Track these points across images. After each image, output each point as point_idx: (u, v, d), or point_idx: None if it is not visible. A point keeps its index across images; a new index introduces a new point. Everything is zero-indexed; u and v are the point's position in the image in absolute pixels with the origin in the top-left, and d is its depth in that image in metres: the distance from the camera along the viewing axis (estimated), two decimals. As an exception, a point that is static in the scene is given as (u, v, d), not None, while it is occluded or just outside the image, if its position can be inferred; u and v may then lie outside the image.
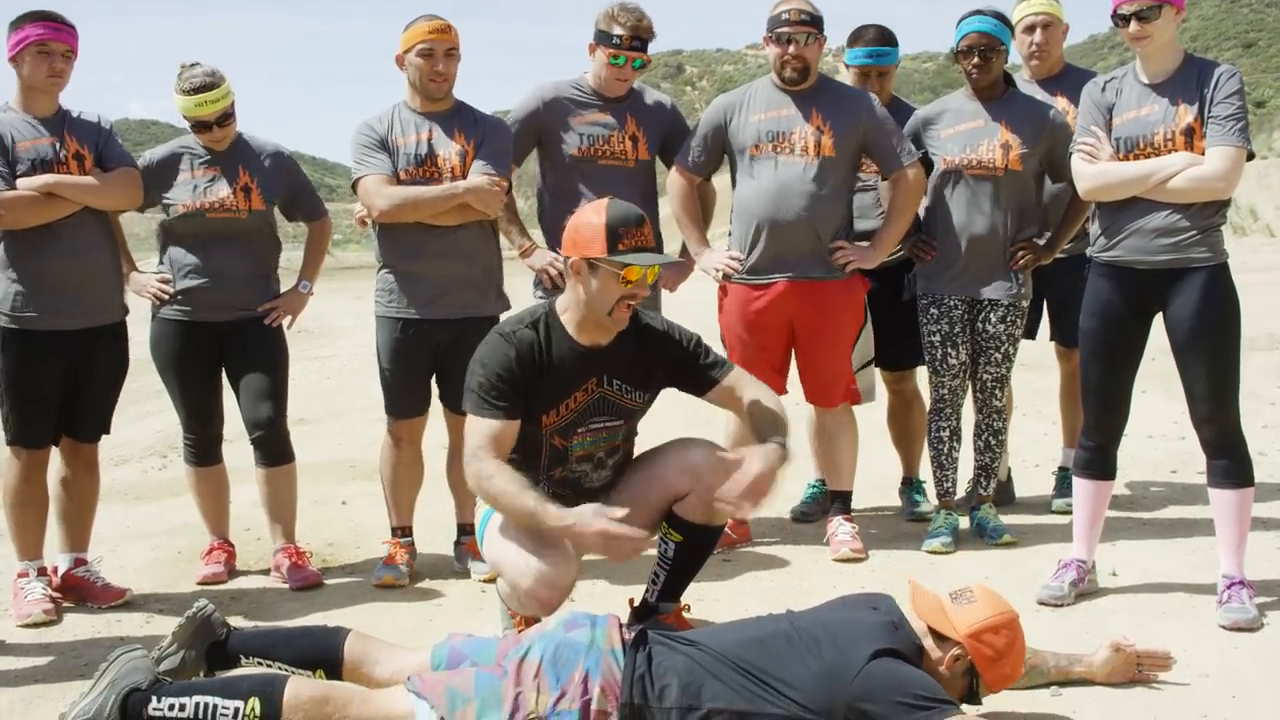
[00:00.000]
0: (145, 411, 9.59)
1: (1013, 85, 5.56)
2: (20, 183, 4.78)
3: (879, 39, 5.87)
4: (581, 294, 3.98)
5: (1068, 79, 5.76)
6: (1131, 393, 4.72)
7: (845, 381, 5.58)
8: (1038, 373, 8.94)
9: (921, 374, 5.95)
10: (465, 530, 5.44)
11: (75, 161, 4.91)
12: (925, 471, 6.02)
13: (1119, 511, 5.87)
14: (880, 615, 3.45)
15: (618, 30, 5.37)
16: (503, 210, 5.37)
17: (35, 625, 4.78)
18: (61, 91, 4.96)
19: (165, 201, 5.27)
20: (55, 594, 4.97)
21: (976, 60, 5.36)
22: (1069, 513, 5.04)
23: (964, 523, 5.71)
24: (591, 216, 3.97)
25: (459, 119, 5.31)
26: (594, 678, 3.23)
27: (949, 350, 5.49)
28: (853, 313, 5.59)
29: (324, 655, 3.59)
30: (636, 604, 4.35)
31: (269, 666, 3.58)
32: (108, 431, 5.21)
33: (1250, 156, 4.45)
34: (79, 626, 4.80)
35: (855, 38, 5.93)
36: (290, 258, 5.58)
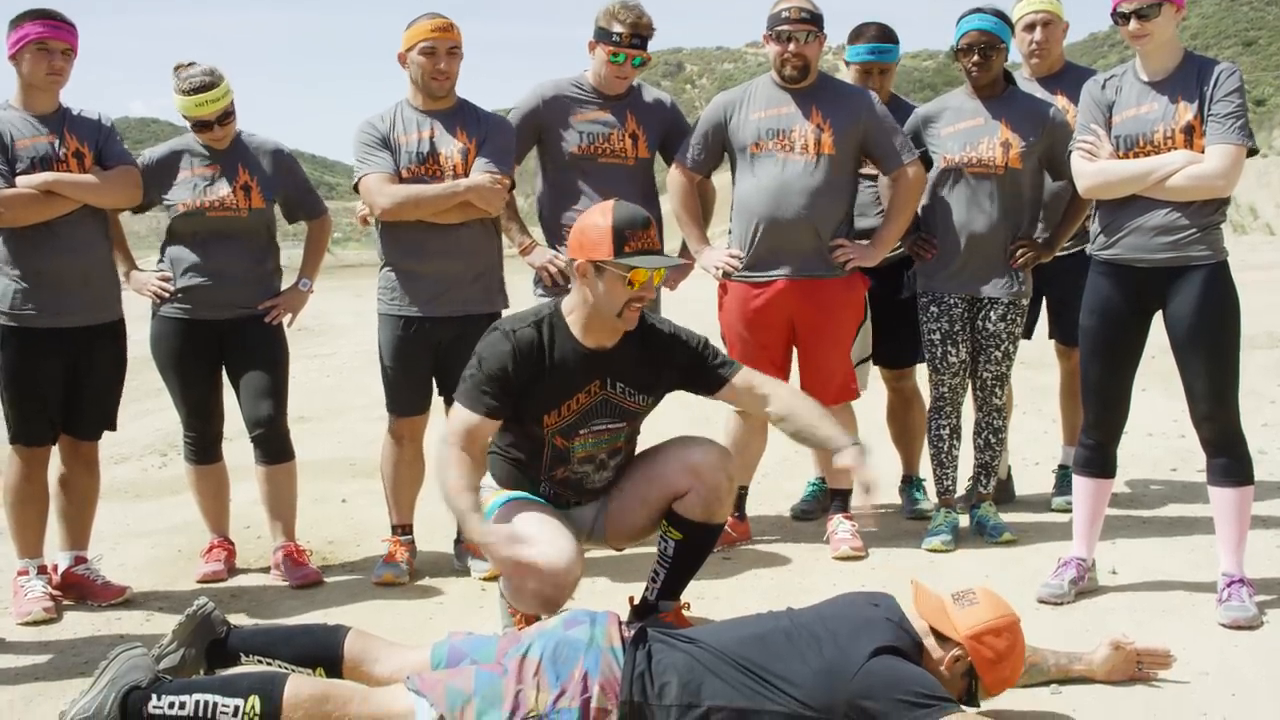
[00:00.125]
0: (145, 409, 9.59)
1: (1013, 83, 5.56)
2: (20, 180, 4.78)
3: (881, 36, 5.87)
4: (588, 296, 3.98)
5: (1068, 77, 5.76)
6: (1131, 391, 4.71)
7: (845, 379, 5.58)
8: (1038, 371, 8.95)
9: (921, 372, 5.95)
10: (465, 528, 5.44)
11: (75, 159, 4.91)
12: (925, 469, 6.02)
13: (1119, 509, 5.87)
14: (881, 613, 3.45)
15: (617, 28, 5.37)
16: (503, 208, 5.37)
17: (35, 623, 4.77)
18: (61, 89, 4.96)
19: (165, 201, 5.27)
20: (55, 592, 4.97)
21: (976, 58, 5.35)
22: (1069, 511, 5.04)
23: (964, 521, 5.71)
24: (598, 219, 3.96)
25: (461, 117, 5.31)
26: (594, 675, 3.22)
27: (949, 348, 5.49)
28: (853, 310, 5.58)
29: (324, 653, 3.58)
30: (636, 602, 4.36)
31: (269, 664, 3.58)
32: (113, 428, 5.20)
33: (1253, 153, 4.45)
34: (79, 624, 4.80)
35: (857, 35, 5.93)
36: (290, 256, 5.58)
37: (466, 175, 5.19)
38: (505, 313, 5.32)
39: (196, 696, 3.20)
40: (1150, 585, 4.85)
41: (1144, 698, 3.75)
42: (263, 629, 3.96)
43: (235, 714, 3.17)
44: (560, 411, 4.05)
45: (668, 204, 5.68)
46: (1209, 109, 4.38)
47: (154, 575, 5.46)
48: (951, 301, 5.47)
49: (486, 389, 3.95)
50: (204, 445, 5.47)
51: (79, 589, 5.07)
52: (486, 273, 5.36)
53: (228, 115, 5.24)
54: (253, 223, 5.31)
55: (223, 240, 5.26)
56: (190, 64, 5.25)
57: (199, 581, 5.33)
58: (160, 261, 5.37)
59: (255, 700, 3.18)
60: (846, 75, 6.08)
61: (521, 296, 5.58)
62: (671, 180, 5.69)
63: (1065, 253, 5.62)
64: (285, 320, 5.46)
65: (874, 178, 5.76)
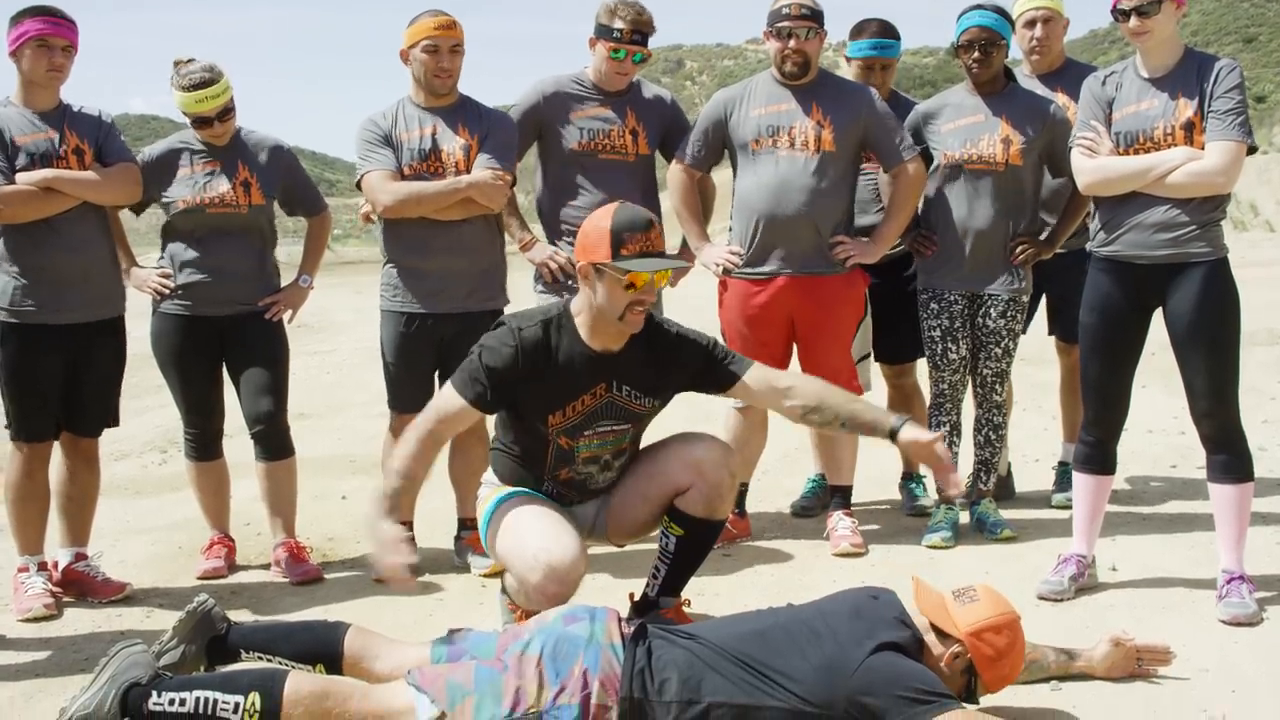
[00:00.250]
0: (145, 406, 9.59)
1: (1013, 80, 5.56)
2: (19, 177, 4.77)
3: (883, 31, 5.87)
4: (592, 299, 3.98)
5: (1068, 74, 5.75)
6: (1131, 388, 4.71)
7: (848, 376, 5.58)
8: (1038, 367, 8.95)
9: (921, 368, 5.96)
10: (466, 525, 5.45)
11: (75, 156, 4.90)
12: (925, 466, 6.01)
13: (1119, 506, 5.87)
14: (881, 609, 3.45)
15: (618, 24, 5.37)
16: (505, 204, 5.38)
17: (35, 620, 4.77)
18: (62, 86, 4.96)
19: (165, 198, 5.27)
20: (55, 588, 4.97)
21: (977, 55, 5.36)
22: (1069, 507, 5.04)
23: (964, 517, 5.71)
24: (600, 220, 3.96)
25: (463, 113, 5.31)
26: (593, 672, 3.22)
27: (949, 345, 5.50)
28: (853, 307, 5.58)
29: (324, 650, 3.58)
30: (637, 598, 4.36)
31: (269, 661, 3.58)
32: (115, 424, 5.21)
33: (1253, 150, 4.45)
34: (79, 621, 4.80)
35: (859, 30, 5.92)
36: (290, 252, 5.58)
37: (468, 172, 5.19)
38: (508, 309, 5.32)
39: (197, 693, 3.20)
40: (1150, 582, 4.85)
41: (1144, 694, 3.75)
42: (263, 626, 3.96)
43: (235, 711, 3.17)
44: (565, 412, 4.04)
45: (668, 201, 5.68)
46: (1209, 105, 4.37)
47: (154, 572, 5.47)
48: (952, 298, 5.47)
49: (480, 379, 3.93)
50: (204, 442, 5.47)
51: (79, 585, 5.07)
52: (489, 269, 5.37)
53: (227, 111, 5.24)
54: (252, 219, 5.31)
55: (222, 237, 5.26)
56: (190, 60, 5.25)
57: (199, 578, 5.33)
58: (160, 258, 5.37)
59: (255, 697, 3.18)
60: (847, 71, 6.08)
61: (521, 292, 5.59)
62: (671, 177, 5.69)
63: (1065, 249, 5.62)
64: (285, 317, 5.46)
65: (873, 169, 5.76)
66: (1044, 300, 6.04)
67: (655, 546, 4.32)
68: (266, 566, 5.45)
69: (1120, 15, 4.44)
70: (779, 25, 5.34)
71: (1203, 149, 4.37)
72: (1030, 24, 5.76)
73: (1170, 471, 6.86)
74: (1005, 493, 6.20)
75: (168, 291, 5.26)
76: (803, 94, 5.42)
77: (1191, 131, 4.39)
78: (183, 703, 3.19)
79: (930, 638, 3.43)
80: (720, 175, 5.85)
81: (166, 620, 3.91)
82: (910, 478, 6.29)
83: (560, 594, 3.87)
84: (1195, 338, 4.45)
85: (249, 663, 3.60)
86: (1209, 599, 4.52)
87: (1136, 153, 4.47)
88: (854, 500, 5.76)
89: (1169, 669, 3.87)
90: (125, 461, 8.05)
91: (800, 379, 4.30)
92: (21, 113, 4.89)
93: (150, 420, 9.29)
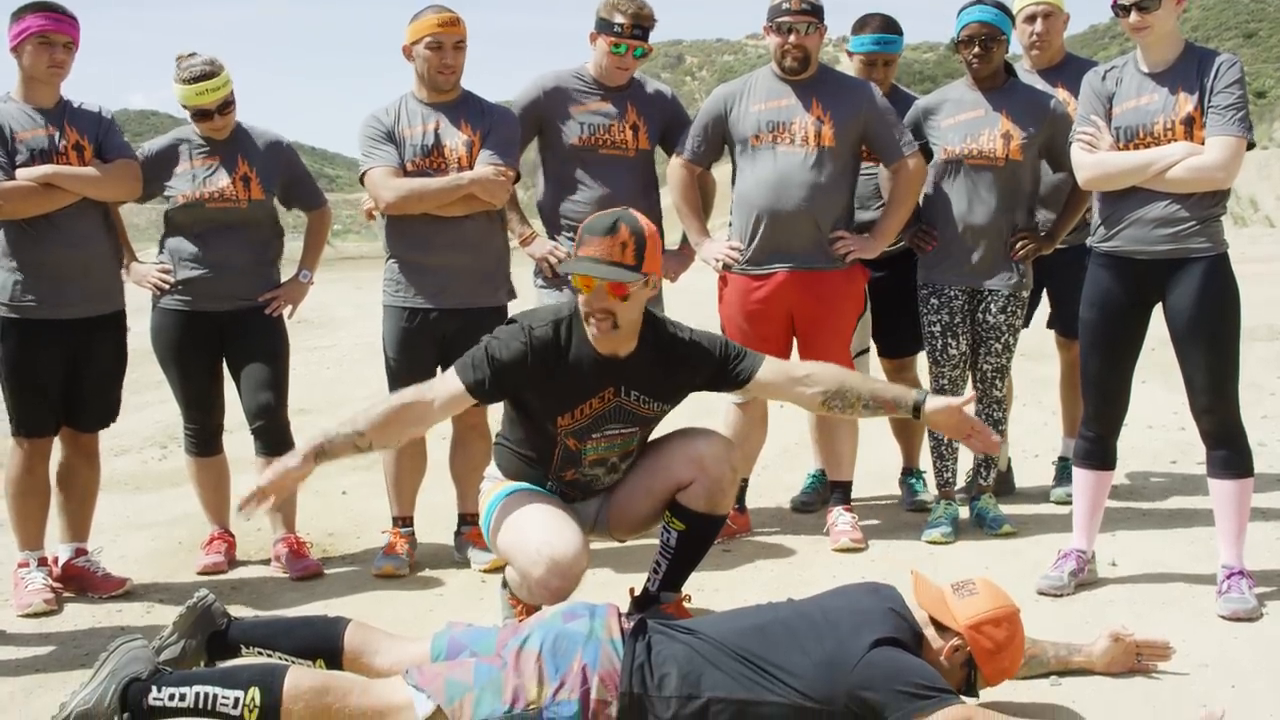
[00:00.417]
0: (145, 402, 9.59)
1: (1013, 75, 5.55)
2: (20, 173, 4.77)
3: (885, 27, 5.87)
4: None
5: (1068, 69, 5.75)
6: (1131, 383, 4.72)
7: (846, 372, 5.58)
8: (1038, 363, 8.95)
9: (922, 363, 5.96)
10: (466, 520, 5.45)
11: (75, 152, 4.90)
12: (925, 461, 6.02)
13: (1119, 502, 5.88)
14: (881, 604, 3.45)
15: (619, 19, 5.36)
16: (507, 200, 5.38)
17: (36, 615, 4.77)
18: (62, 82, 4.96)
19: (165, 193, 5.27)
20: (56, 584, 4.97)
21: (977, 50, 5.35)
22: (1069, 503, 5.04)
23: (964, 513, 5.72)
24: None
25: (466, 109, 5.31)
26: (593, 668, 3.23)
27: (949, 340, 5.50)
28: (853, 302, 5.59)
29: (324, 645, 3.59)
30: (637, 593, 4.36)
31: (269, 656, 3.58)
32: (115, 419, 5.21)
33: (1251, 145, 4.44)
34: (79, 616, 4.80)
35: (861, 25, 5.92)
36: (290, 248, 5.58)
37: (471, 168, 5.19)
38: (510, 305, 5.33)
39: (197, 688, 3.20)
40: (1150, 577, 4.86)
41: (1143, 689, 3.76)
42: (263, 621, 3.96)
43: (235, 706, 3.17)
44: (574, 415, 4.02)
45: (668, 196, 5.68)
46: (1209, 100, 4.37)
47: (154, 567, 5.47)
48: (952, 293, 5.47)
49: (483, 367, 3.91)
50: (204, 437, 5.48)
51: (79, 581, 5.07)
52: (492, 265, 5.37)
53: (228, 105, 5.24)
54: (252, 214, 5.31)
55: (222, 231, 5.26)
56: (191, 54, 5.25)
57: (199, 573, 5.33)
58: (160, 253, 5.37)
59: (255, 692, 3.18)
60: (848, 66, 6.08)
61: (522, 289, 5.59)
62: (672, 172, 5.69)
63: (1065, 245, 5.62)
64: (285, 312, 5.46)
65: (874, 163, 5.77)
66: (1044, 295, 6.04)
67: (656, 542, 4.32)
68: (267, 562, 5.46)
69: (1121, 10, 4.44)
70: (779, 20, 5.34)
71: (1203, 144, 4.37)
72: (1030, 19, 5.76)
73: (1170, 467, 6.86)
74: (1005, 488, 6.21)
75: (167, 287, 5.26)
76: (803, 89, 5.41)
77: (1191, 126, 4.38)
78: (183, 698, 3.19)
79: (930, 632, 3.43)
80: (720, 171, 5.85)
81: (167, 616, 3.91)
82: (910, 473, 6.29)
83: (562, 588, 3.87)
84: (1195, 333, 4.44)
85: (249, 658, 3.61)
86: (1209, 594, 4.52)
87: (1136, 148, 4.47)
88: (854, 495, 5.77)
89: (1168, 664, 3.87)
90: (125, 457, 8.04)
91: (817, 366, 4.24)
92: (22, 108, 4.89)
93: (150, 415, 9.29)
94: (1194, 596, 4.58)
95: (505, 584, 4.23)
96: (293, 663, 3.47)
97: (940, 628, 3.43)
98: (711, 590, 4.77)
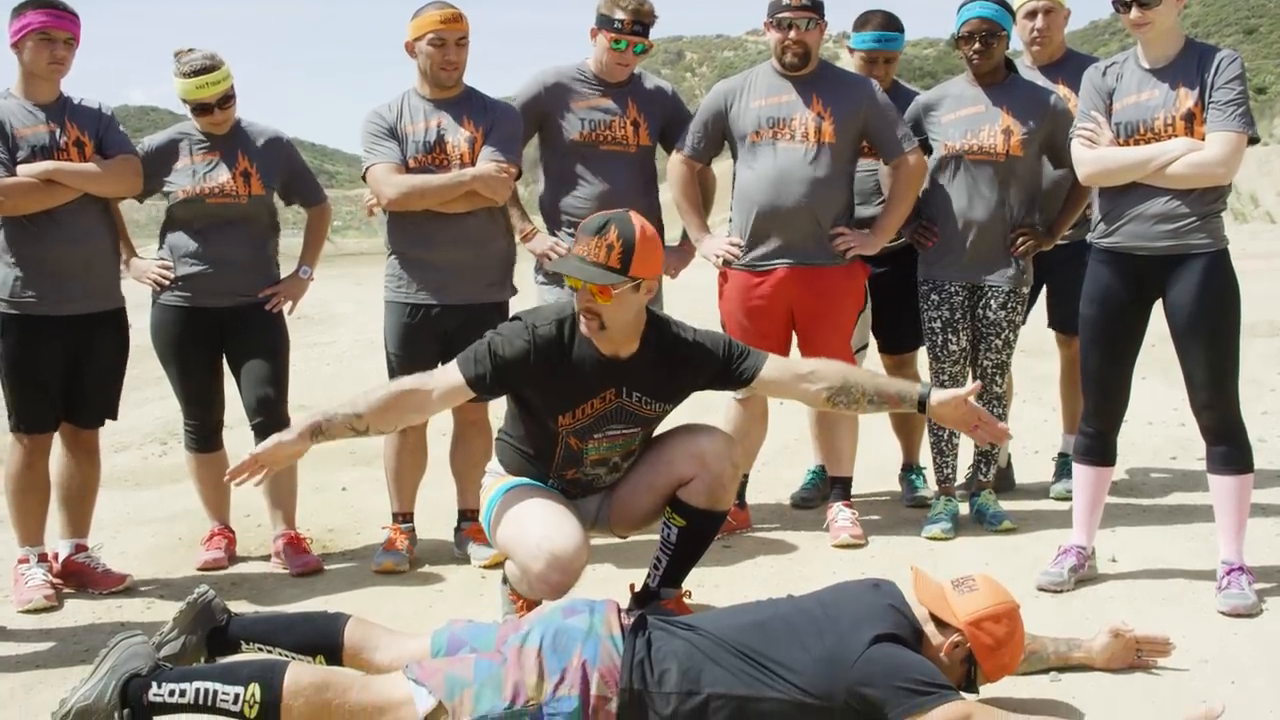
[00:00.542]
0: (146, 398, 9.59)
1: (1014, 71, 5.55)
2: (20, 169, 4.78)
3: (887, 24, 5.87)
4: None
5: (1069, 65, 5.74)
6: (1131, 379, 4.71)
7: (848, 367, 5.58)
8: (1038, 359, 8.95)
9: (922, 359, 5.96)
10: (466, 516, 5.46)
11: (75, 148, 4.91)
12: (925, 457, 6.02)
13: (1119, 498, 5.88)
14: (881, 600, 3.45)
15: (619, 15, 5.36)
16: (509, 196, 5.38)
17: (36, 611, 4.78)
18: (63, 79, 4.96)
19: (165, 188, 5.27)
20: (56, 580, 4.98)
21: (977, 46, 5.35)
22: (1069, 499, 5.04)
23: (964, 509, 5.72)
24: None
25: (468, 106, 5.30)
26: (593, 664, 3.23)
27: (949, 336, 5.49)
28: (853, 298, 5.59)
29: (324, 641, 3.59)
30: (638, 589, 4.36)
31: (269, 652, 3.58)
32: (114, 417, 5.21)
33: (1254, 141, 4.44)
34: (79, 612, 4.80)
35: (862, 22, 5.91)
36: (290, 244, 5.58)
37: (473, 164, 5.19)
38: (513, 302, 5.33)
39: (197, 684, 3.20)
40: (1150, 573, 4.86)
41: (1143, 685, 3.76)
42: (263, 617, 3.96)
43: (235, 701, 3.17)
44: (575, 414, 4.02)
45: (668, 192, 5.67)
46: (1210, 96, 4.36)
47: (154, 563, 5.47)
48: (952, 289, 5.47)
49: (485, 362, 3.92)
50: (205, 433, 5.48)
51: (79, 577, 5.07)
52: (494, 262, 5.36)
53: (228, 99, 5.24)
54: (252, 209, 5.31)
55: (222, 227, 5.25)
56: (190, 50, 5.25)
57: (199, 569, 5.33)
58: (160, 249, 5.37)
59: (255, 688, 3.18)
60: (848, 62, 6.08)
61: (522, 284, 5.59)
62: (672, 168, 5.69)
63: (1066, 241, 5.62)
64: (286, 308, 5.46)
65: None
66: (1044, 291, 6.04)
67: (657, 537, 4.32)
68: (267, 558, 5.46)
69: (1121, 6, 4.43)
70: (779, 16, 5.33)
71: (1203, 140, 4.36)
72: (1031, 15, 5.75)
73: (1170, 463, 6.86)
74: (1005, 484, 6.21)
75: (167, 283, 5.26)
76: (803, 85, 5.41)
77: (1192, 122, 4.38)
78: (183, 694, 3.19)
79: (930, 628, 3.43)
80: (720, 166, 5.84)
81: (167, 611, 3.90)
82: (910, 469, 6.29)
83: (562, 583, 3.87)
84: (1195, 329, 4.44)
85: (249, 654, 3.60)
86: (1208, 590, 4.52)
87: (1137, 143, 4.47)
88: (854, 491, 5.77)
89: (1168, 660, 3.87)
90: (126, 453, 8.05)
91: (820, 363, 4.23)
92: (22, 105, 4.89)
93: (150, 412, 9.29)
94: (1194, 592, 4.58)
95: (505, 580, 4.24)
96: (293, 659, 3.47)
97: (940, 624, 3.43)
98: (712, 586, 4.78)
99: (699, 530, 4.24)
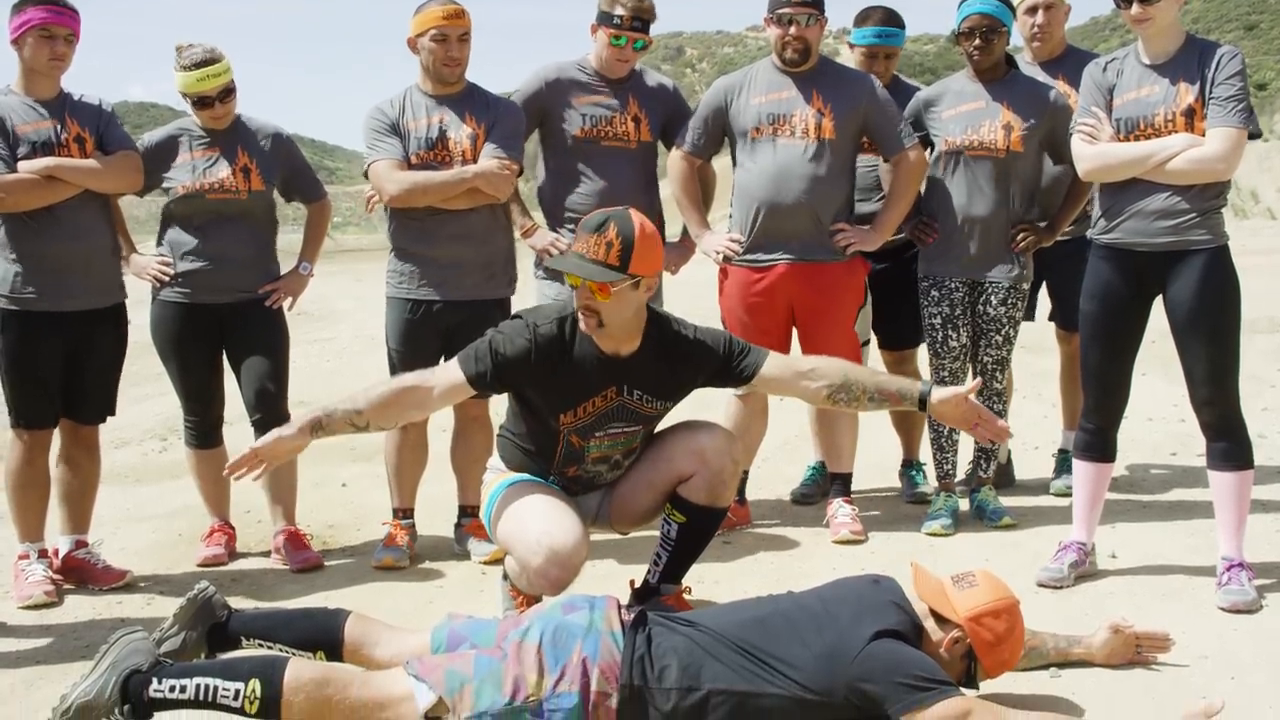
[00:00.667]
0: (145, 394, 9.59)
1: (1015, 67, 5.55)
2: (21, 165, 4.77)
3: (887, 19, 5.87)
4: None
5: (1069, 61, 5.74)
6: (1131, 375, 4.71)
7: (853, 359, 5.57)
8: (1038, 355, 8.95)
9: (922, 355, 5.96)
10: (466, 512, 5.46)
11: (76, 145, 4.90)
12: (925, 453, 6.02)
13: (1119, 494, 5.88)
14: (882, 596, 3.45)
15: (619, 11, 5.35)
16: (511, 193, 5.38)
17: (36, 607, 4.78)
18: (63, 75, 4.95)
19: (165, 184, 5.27)
20: (56, 576, 4.98)
21: (978, 42, 5.34)
22: (1069, 495, 5.05)
23: (964, 505, 5.72)
24: None
25: (471, 102, 5.30)
26: (593, 660, 3.23)
27: (950, 332, 5.49)
28: (854, 294, 5.58)
29: (324, 637, 3.59)
30: (638, 585, 4.36)
31: (270, 648, 3.58)
32: (113, 413, 5.21)
33: (1254, 136, 4.43)
34: (80, 608, 4.80)
35: (863, 18, 5.91)
36: (290, 240, 5.57)
37: (475, 161, 5.19)
38: (514, 298, 5.33)
39: (197, 680, 3.20)
40: (1150, 569, 4.86)
41: (1143, 681, 3.76)
42: (263, 613, 3.96)
43: (236, 697, 3.17)
44: (576, 413, 4.02)
45: (668, 189, 5.67)
46: (1210, 92, 4.36)
47: (154, 559, 5.47)
48: (952, 285, 5.47)
49: (486, 360, 3.92)
50: (204, 430, 5.48)
51: (80, 573, 5.07)
52: (495, 258, 5.37)
53: (229, 92, 5.23)
54: (252, 205, 5.31)
55: (222, 223, 5.25)
56: (191, 45, 5.24)
57: (199, 565, 5.34)
58: (159, 245, 5.36)
59: (256, 684, 3.18)
60: (848, 58, 6.08)
61: (522, 279, 5.59)
62: (672, 165, 5.68)
63: (1066, 237, 5.62)
64: (285, 304, 5.46)
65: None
66: (1044, 288, 6.04)
67: (657, 534, 4.33)
68: (267, 554, 5.46)
69: (1122, 2, 4.42)
70: (779, 12, 5.33)
71: (1203, 136, 4.36)
72: (1031, 11, 5.75)
73: (1170, 459, 6.86)
74: (1005, 480, 6.21)
75: (167, 279, 5.26)
76: (803, 81, 5.41)
77: (1192, 118, 4.38)
78: (183, 689, 3.19)
79: (929, 623, 3.43)
80: (721, 162, 5.84)
81: (167, 607, 3.90)
82: (910, 465, 6.30)
83: (562, 578, 3.88)
84: (1195, 325, 4.44)
85: (249, 650, 3.61)
86: (1208, 586, 4.52)
87: (1137, 139, 4.46)
88: (854, 487, 5.77)
89: (1168, 656, 3.87)
90: (126, 449, 8.05)
91: (822, 360, 4.21)
92: (23, 101, 4.88)
93: (151, 408, 9.29)
94: (1194, 589, 4.58)
95: (505, 576, 4.24)
96: (293, 654, 3.47)
97: (940, 619, 3.43)
98: (712, 582, 4.78)
99: (699, 526, 4.25)
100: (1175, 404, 7.63)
